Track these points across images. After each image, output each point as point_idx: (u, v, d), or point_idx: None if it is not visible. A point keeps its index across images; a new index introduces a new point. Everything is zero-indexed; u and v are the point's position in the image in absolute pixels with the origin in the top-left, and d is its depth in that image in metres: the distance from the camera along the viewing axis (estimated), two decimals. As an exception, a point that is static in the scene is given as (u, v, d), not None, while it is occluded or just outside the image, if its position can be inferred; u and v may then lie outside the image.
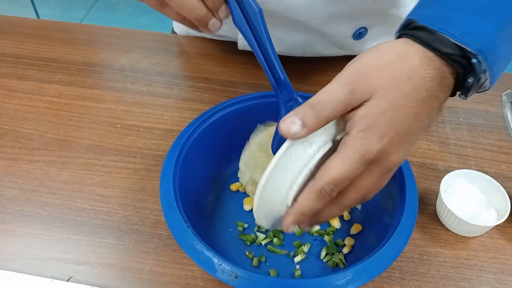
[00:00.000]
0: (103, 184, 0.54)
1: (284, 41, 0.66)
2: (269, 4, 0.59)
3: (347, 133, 0.34)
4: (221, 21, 0.40)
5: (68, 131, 0.60)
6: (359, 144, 0.32)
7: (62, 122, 0.61)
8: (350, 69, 0.35)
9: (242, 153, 0.49)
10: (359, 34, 0.64)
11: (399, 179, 0.46)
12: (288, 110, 0.39)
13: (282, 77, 0.42)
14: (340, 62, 0.70)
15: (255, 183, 0.48)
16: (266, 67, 0.42)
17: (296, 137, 0.33)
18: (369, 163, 0.33)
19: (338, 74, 0.34)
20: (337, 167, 0.33)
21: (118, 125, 0.61)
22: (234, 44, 0.72)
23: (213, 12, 0.39)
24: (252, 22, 0.40)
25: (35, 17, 2.16)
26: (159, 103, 0.64)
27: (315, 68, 0.70)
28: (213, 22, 0.39)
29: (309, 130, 0.33)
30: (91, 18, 2.24)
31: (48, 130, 0.60)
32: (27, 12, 2.16)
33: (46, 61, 0.70)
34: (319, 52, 0.68)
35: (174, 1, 0.37)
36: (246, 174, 0.49)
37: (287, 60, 0.70)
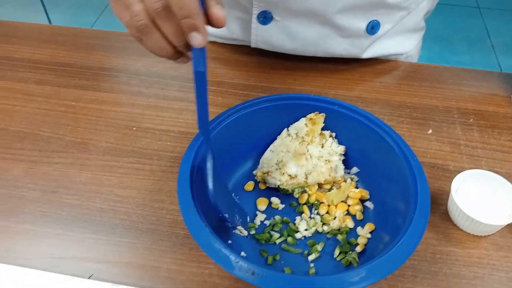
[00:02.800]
0: (121, 185, 0.56)
1: (297, 36, 0.66)
2: None
3: None
4: (189, 58, 0.42)
5: (85, 134, 0.62)
6: None
7: (79, 125, 0.63)
8: None
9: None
10: (372, 28, 0.65)
11: (411, 180, 0.47)
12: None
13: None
14: (350, 64, 0.71)
15: (283, 164, 0.52)
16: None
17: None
18: None
19: None
20: None
21: (134, 128, 0.62)
22: (245, 48, 0.74)
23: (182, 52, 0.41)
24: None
25: (47, 22, 2.19)
26: (173, 106, 0.66)
27: (325, 69, 0.71)
28: (180, 59, 0.43)
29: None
30: (102, 23, 2.27)
31: (66, 133, 0.62)
32: (39, 17, 2.19)
33: (63, 66, 0.72)
34: (331, 50, 0.68)
35: (147, 41, 0.40)
36: (271, 160, 0.52)
37: (297, 60, 0.72)
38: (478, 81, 0.71)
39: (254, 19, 0.65)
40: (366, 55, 0.70)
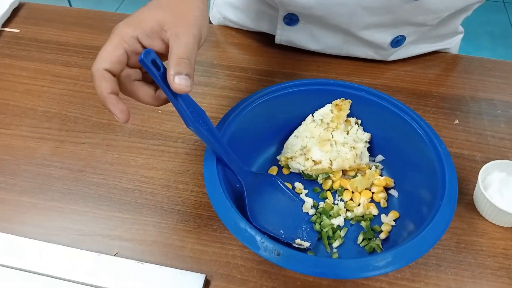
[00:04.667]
0: (146, 166, 0.56)
1: (321, 40, 0.67)
2: (313, 10, 0.61)
3: None
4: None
5: (111, 115, 0.62)
6: None
7: (106, 106, 0.63)
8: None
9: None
10: (397, 42, 0.65)
11: (439, 168, 0.47)
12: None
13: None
14: (373, 65, 0.71)
15: (307, 150, 0.52)
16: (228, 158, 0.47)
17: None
18: None
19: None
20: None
21: (160, 111, 0.63)
22: (268, 36, 0.73)
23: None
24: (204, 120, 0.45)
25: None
26: (198, 91, 0.66)
27: (349, 57, 0.71)
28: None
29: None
30: (123, 11, 2.28)
31: (93, 114, 0.63)
32: (62, 4, 2.21)
33: (90, 48, 0.73)
34: (354, 54, 0.68)
35: (132, 97, 0.44)
36: (296, 145, 0.52)
37: (321, 55, 0.71)
38: (506, 73, 0.69)
39: (280, 20, 0.65)
40: (392, 58, 0.69)
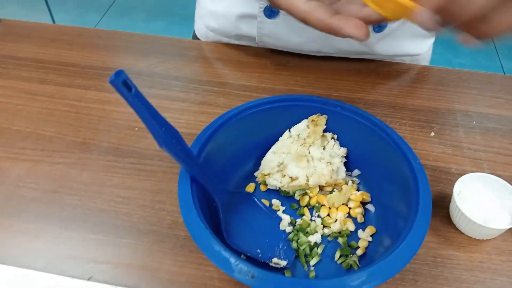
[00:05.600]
0: (122, 185, 0.56)
1: (303, 32, 0.66)
2: None
3: None
4: None
5: (87, 134, 0.62)
6: None
7: (82, 125, 0.63)
8: None
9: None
10: (380, 27, 0.65)
11: (412, 182, 0.47)
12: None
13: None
14: (353, 65, 0.71)
15: (284, 166, 0.52)
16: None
17: None
18: None
19: None
20: None
21: (136, 128, 0.62)
22: (248, 49, 0.74)
23: None
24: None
25: (50, 21, 2.20)
26: (175, 107, 0.66)
27: (327, 71, 0.71)
28: None
29: None
30: (105, 23, 2.27)
31: (68, 133, 0.62)
32: (43, 16, 2.20)
33: (66, 65, 0.72)
34: (337, 46, 0.68)
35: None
36: (273, 162, 0.52)
37: (299, 61, 0.72)
38: (481, 84, 0.70)
39: (260, 13, 0.65)
40: (375, 50, 0.69)
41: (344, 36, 0.37)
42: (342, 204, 0.53)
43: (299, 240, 0.49)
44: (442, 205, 0.54)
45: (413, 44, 0.73)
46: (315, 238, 0.50)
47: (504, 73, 2.07)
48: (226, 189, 0.49)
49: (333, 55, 0.72)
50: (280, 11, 0.63)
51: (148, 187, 0.55)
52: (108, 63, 0.73)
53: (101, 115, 0.64)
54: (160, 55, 0.74)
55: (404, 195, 0.49)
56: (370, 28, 0.65)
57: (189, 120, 0.64)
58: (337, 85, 0.69)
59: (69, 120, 0.64)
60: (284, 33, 0.67)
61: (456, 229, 0.52)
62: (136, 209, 0.53)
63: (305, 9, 0.37)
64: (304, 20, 0.38)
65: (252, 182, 0.55)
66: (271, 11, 0.64)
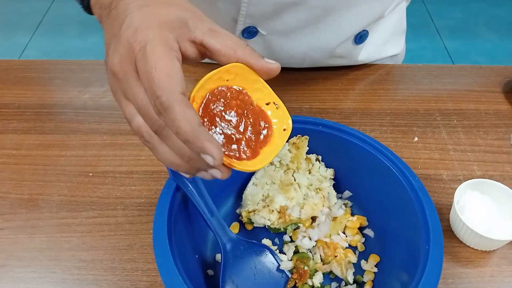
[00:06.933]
0: (83, 246, 0.47)
1: (284, 49, 0.62)
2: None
3: None
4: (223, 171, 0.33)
5: (33, 188, 0.53)
6: None
7: (24, 178, 0.54)
8: None
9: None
10: (360, 38, 0.61)
11: (416, 203, 0.42)
12: None
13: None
14: (320, 73, 0.66)
15: (270, 200, 0.47)
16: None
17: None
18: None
19: None
20: None
21: (91, 174, 0.54)
22: (206, 66, 0.67)
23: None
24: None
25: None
26: (133, 142, 0.58)
27: (294, 80, 0.66)
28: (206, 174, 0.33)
29: None
30: (36, 44, 2.10)
31: (9, 190, 0.52)
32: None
33: (-4, 107, 0.62)
34: (318, 60, 0.64)
35: (155, 153, 0.32)
36: (256, 196, 0.47)
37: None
38: (453, 78, 0.68)
39: (237, 35, 0.59)
40: (360, 62, 0.66)
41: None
42: (338, 232, 0.47)
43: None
44: (441, 218, 0.50)
45: (391, 44, 0.69)
46: (318, 279, 0.44)
47: (448, 53, 2.12)
48: (237, 237, 0.44)
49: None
50: (259, 31, 0.58)
51: (114, 244, 0.48)
52: (47, 99, 0.63)
53: (46, 163, 0.55)
54: (104, 83, 0.66)
55: (404, 214, 0.44)
56: (351, 40, 0.61)
57: (151, 155, 0.56)
58: (307, 95, 0.64)
59: (8, 174, 0.54)
60: (263, 51, 0.61)
61: (460, 242, 0.49)
62: (104, 273, 0.45)
63: (177, 103, 0.29)
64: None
65: (235, 221, 0.49)
66: (249, 32, 0.58)
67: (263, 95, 0.36)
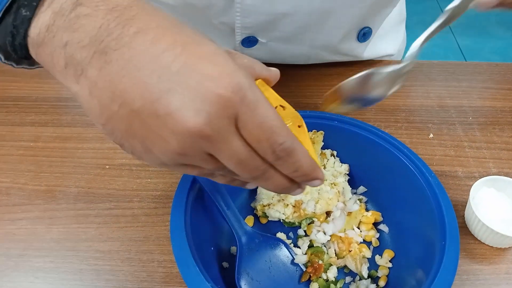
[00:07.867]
0: (100, 237, 0.48)
1: (285, 53, 0.62)
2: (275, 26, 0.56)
3: None
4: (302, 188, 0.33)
5: (50, 179, 0.53)
6: None
7: (42, 170, 0.54)
8: None
9: None
10: (364, 35, 0.61)
11: (433, 199, 0.42)
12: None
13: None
14: (336, 68, 0.66)
15: (285, 195, 0.47)
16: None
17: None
18: None
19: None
20: None
21: (107, 166, 0.55)
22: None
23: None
24: None
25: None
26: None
27: (308, 76, 0.66)
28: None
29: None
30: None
31: (27, 181, 0.53)
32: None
33: (14, 100, 0.63)
34: (324, 57, 0.64)
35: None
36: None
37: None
38: (469, 75, 0.67)
39: (238, 45, 0.59)
40: (365, 58, 0.66)
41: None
42: (353, 227, 0.48)
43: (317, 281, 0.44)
44: (456, 214, 0.50)
45: (394, 38, 0.69)
46: (332, 273, 0.44)
47: (460, 50, 2.10)
48: (252, 230, 0.45)
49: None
50: (259, 39, 0.58)
51: (131, 236, 0.48)
52: (63, 92, 0.64)
53: (64, 155, 0.56)
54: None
55: (420, 210, 0.44)
56: (355, 38, 0.60)
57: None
58: (322, 91, 0.64)
59: (26, 165, 0.55)
60: (264, 56, 0.61)
61: (475, 238, 0.49)
62: (120, 264, 0.46)
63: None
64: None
65: (250, 214, 0.49)
66: (249, 41, 0.59)
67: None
